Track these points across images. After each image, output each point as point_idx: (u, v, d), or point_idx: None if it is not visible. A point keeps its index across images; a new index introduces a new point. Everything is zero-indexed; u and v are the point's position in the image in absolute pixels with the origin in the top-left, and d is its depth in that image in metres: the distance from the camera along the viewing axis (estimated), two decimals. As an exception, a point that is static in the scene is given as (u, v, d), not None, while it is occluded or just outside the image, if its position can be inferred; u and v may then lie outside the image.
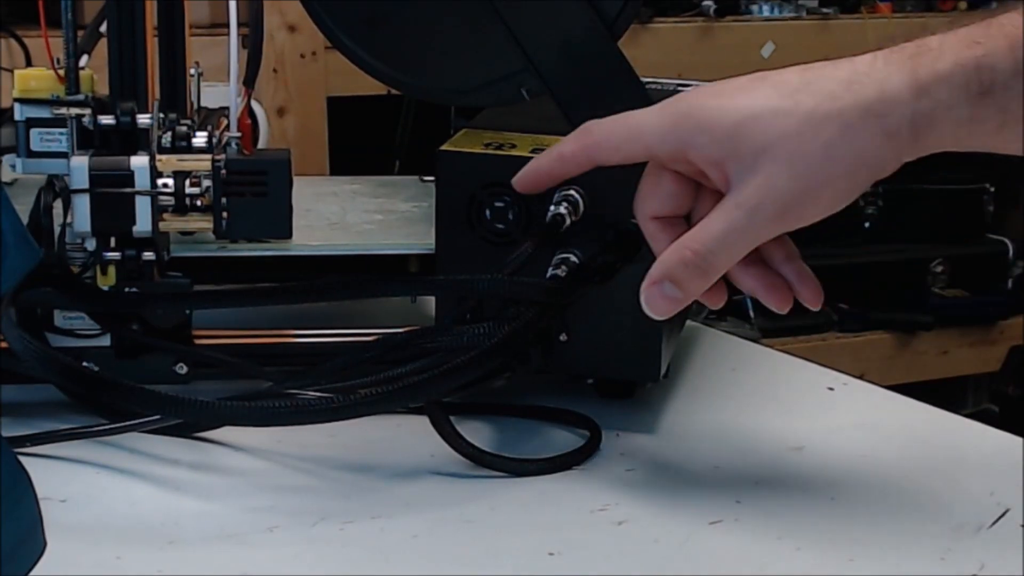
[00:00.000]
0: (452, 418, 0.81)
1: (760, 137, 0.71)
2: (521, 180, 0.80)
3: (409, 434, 0.84)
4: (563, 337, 0.87)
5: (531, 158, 0.86)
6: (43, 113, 0.85)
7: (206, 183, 0.86)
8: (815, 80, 0.71)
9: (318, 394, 0.79)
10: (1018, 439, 0.86)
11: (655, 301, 0.73)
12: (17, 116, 0.85)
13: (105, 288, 0.87)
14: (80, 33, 0.86)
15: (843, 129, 0.69)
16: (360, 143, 1.94)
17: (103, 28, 0.87)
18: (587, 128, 0.77)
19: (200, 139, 0.87)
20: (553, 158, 0.78)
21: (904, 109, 0.69)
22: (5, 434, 0.55)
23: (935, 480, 0.81)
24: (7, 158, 0.90)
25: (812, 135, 0.70)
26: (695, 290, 0.73)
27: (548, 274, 0.82)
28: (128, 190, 0.85)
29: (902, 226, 2.50)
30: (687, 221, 0.75)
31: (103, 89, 0.87)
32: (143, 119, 0.85)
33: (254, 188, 0.86)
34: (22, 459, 0.54)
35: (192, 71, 0.92)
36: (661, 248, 0.74)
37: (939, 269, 2.51)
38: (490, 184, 0.87)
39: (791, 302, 0.76)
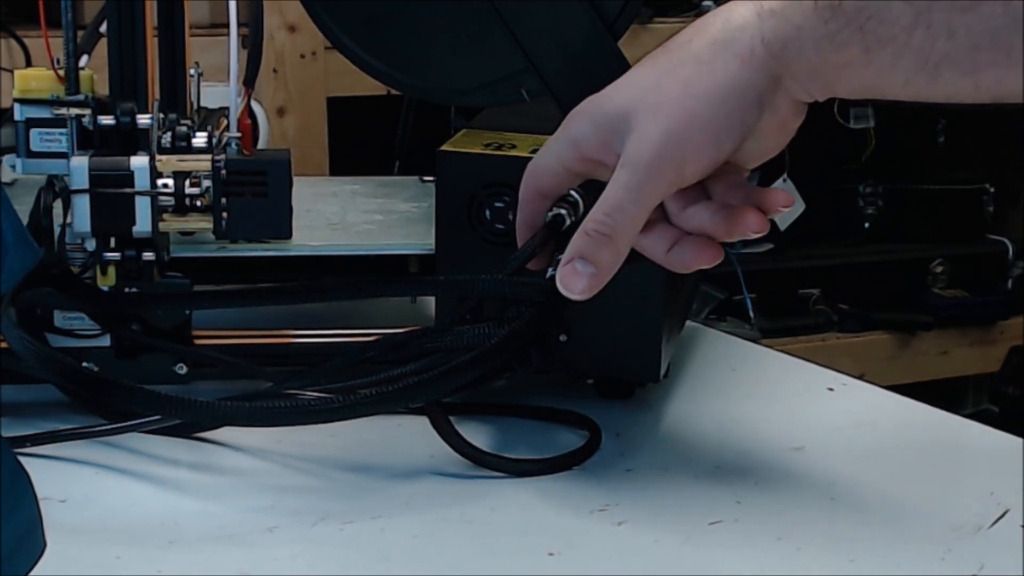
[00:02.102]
0: (452, 418, 0.81)
1: (626, 100, 0.72)
2: (520, 242, 0.80)
3: (409, 434, 0.84)
4: (563, 337, 0.87)
5: (531, 158, 0.86)
6: (43, 113, 0.85)
7: (206, 183, 0.86)
8: (671, 41, 0.73)
9: (318, 394, 0.79)
10: (1018, 439, 0.86)
11: (571, 280, 0.73)
12: (17, 116, 0.85)
13: (105, 288, 0.87)
14: (80, 33, 0.86)
15: (696, 65, 0.70)
16: (360, 143, 1.94)
17: (103, 28, 0.87)
18: (528, 166, 0.78)
19: (200, 139, 0.87)
20: (520, 209, 0.79)
21: (751, 31, 0.69)
22: (5, 434, 0.55)
23: (935, 480, 0.81)
24: (7, 158, 0.90)
25: (670, 80, 0.71)
26: (607, 261, 0.72)
27: (548, 274, 0.82)
28: (128, 190, 0.85)
29: (902, 226, 2.50)
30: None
31: (103, 89, 0.87)
32: (143, 119, 0.85)
33: (254, 188, 0.86)
34: (22, 459, 0.54)
35: (192, 71, 0.92)
36: (658, 256, 0.75)
37: (939, 269, 2.51)
38: (490, 184, 0.87)
39: (763, 219, 0.74)
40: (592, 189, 0.83)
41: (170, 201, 0.86)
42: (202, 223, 0.87)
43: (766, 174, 2.16)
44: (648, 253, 0.75)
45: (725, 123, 0.70)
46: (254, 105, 0.91)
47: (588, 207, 0.83)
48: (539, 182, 0.77)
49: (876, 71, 0.68)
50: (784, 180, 2.29)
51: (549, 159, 0.76)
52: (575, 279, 0.73)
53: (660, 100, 0.71)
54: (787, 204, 0.75)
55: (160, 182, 0.86)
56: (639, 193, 0.71)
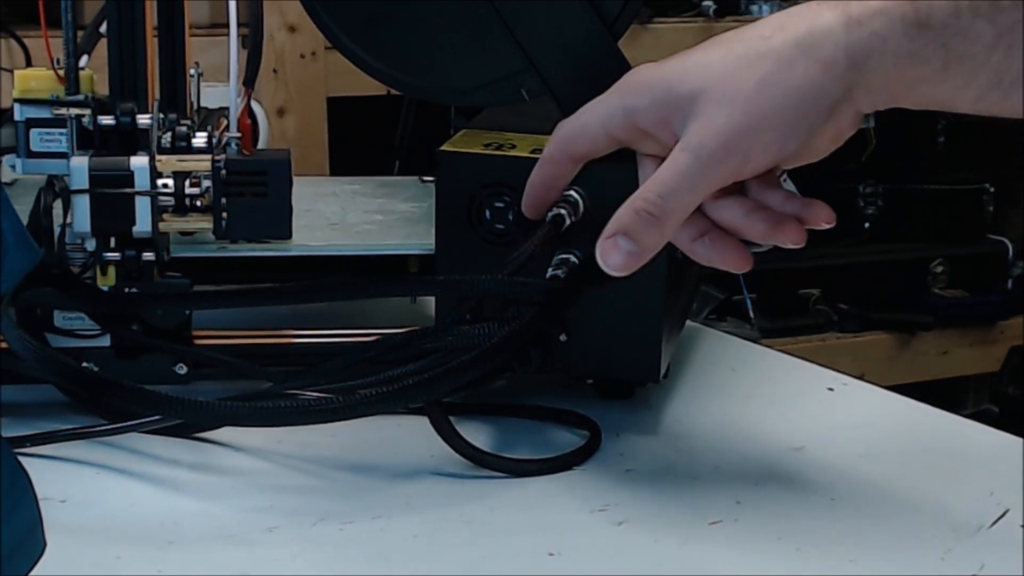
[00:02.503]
0: (452, 418, 0.81)
1: (696, 83, 0.71)
2: (526, 204, 0.80)
3: (409, 434, 0.84)
4: (563, 337, 0.87)
5: (531, 158, 0.86)
6: (43, 113, 0.85)
7: (206, 183, 0.86)
8: (747, 29, 0.72)
9: (318, 394, 0.79)
10: (1018, 439, 0.86)
11: (610, 254, 0.73)
12: (17, 116, 0.85)
13: (105, 288, 0.87)
14: (80, 33, 0.86)
15: (777, 63, 0.70)
16: (360, 143, 1.94)
17: (103, 28, 0.87)
18: (559, 125, 0.78)
19: (200, 139, 0.87)
20: (540, 166, 0.79)
21: (837, 40, 0.69)
22: (5, 434, 0.55)
23: (935, 480, 0.81)
24: (7, 158, 0.90)
25: (746, 72, 0.70)
26: (651, 242, 0.72)
27: (548, 274, 0.82)
28: (128, 190, 0.85)
29: (902, 226, 2.50)
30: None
31: (103, 89, 0.87)
32: (143, 119, 0.85)
33: (254, 188, 0.86)
34: (22, 459, 0.54)
35: (192, 71, 0.92)
36: (682, 244, 0.74)
37: (939, 269, 2.51)
38: (490, 184, 0.87)
39: (804, 233, 0.74)
40: (593, 190, 0.83)
41: (170, 201, 0.86)
42: (202, 223, 0.87)
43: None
44: (673, 239, 0.74)
45: (796, 125, 0.70)
46: (254, 105, 0.91)
47: (588, 207, 0.83)
48: (572, 144, 0.76)
49: (950, 87, 0.69)
50: (784, 179, 2.29)
51: (591, 121, 0.75)
52: (615, 253, 0.72)
53: (733, 91, 0.70)
54: (829, 221, 0.74)
55: (160, 182, 0.86)
56: (696, 180, 0.71)
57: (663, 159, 0.74)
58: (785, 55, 0.70)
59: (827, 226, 0.74)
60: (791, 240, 0.73)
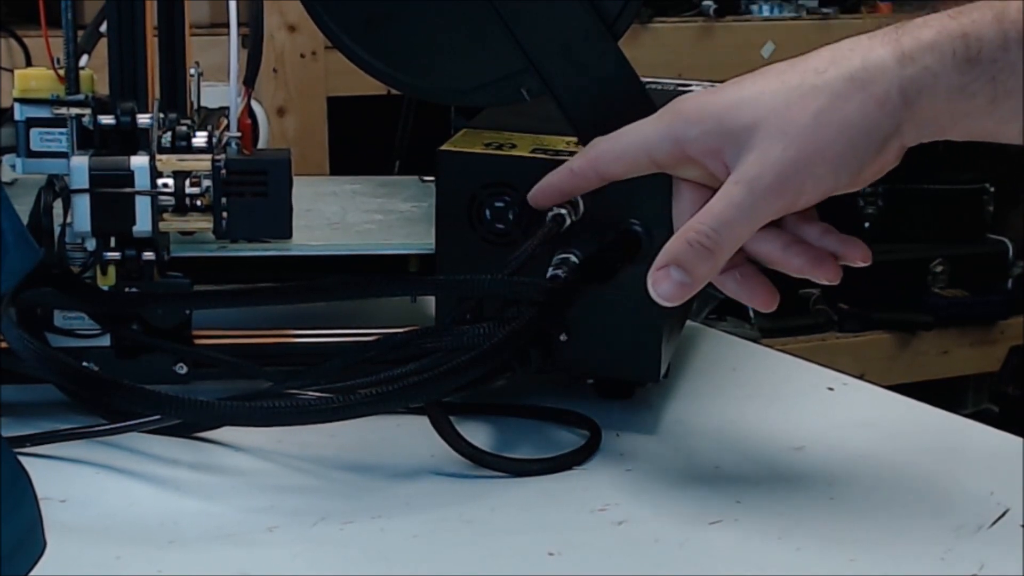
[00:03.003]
0: (452, 418, 0.81)
1: (750, 116, 0.71)
2: (534, 195, 0.81)
3: (409, 434, 0.84)
4: (563, 337, 0.87)
5: (531, 158, 0.86)
6: (43, 113, 0.85)
7: (206, 183, 0.86)
8: (799, 62, 0.72)
9: (318, 394, 0.79)
10: (1018, 439, 0.86)
11: (662, 285, 0.73)
12: (17, 116, 0.85)
13: (105, 288, 0.87)
14: (80, 33, 0.86)
15: (831, 98, 0.70)
16: (360, 143, 1.94)
17: (103, 28, 0.87)
18: (594, 142, 0.78)
19: (200, 139, 0.87)
20: (564, 174, 0.79)
21: (890, 75, 0.70)
22: (5, 434, 0.55)
23: (935, 480, 0.81)
24: (7, 158, 0.90)
25: (800, 106, 0.71)
26: (702, 273, 0.73)
27: (548, 274, 0.82)
28: (128, 190, 0.85)
29: (902, 226, 2.50)
30: None
31: (103, 89, 0.87)
32: (143, 119, 0.85)
33: (254, 188, 0.86)
34: (22, 459, 0.54)
35: (192, 71, 0.92)
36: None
37: (939, 269, 2.51)
38: (490, 184, 0.87)
39: (840, 271, 0.75)
40: (595, 191, 0.83)
41: (170, 201, 0.86)
42: (202, 223, 0.87)
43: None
44: None
45: (848, 159, 0.71)
46: (254, 105, 0.91)
47: (588, 207, 0.83)
48: (606, 164, 0.77)
49: (996, 120, 0.69)
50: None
51: (633, 145, 0.75)
52: (666, 283, 0.73)
53: (788, 124, 0.71)
54: (865, 260, 0.75)
55: (160, 182, 0.85)
56: (751, 213, 0.71)
57: (701, 184, 0.75)
58: (839, 89, 0.70)
59: (863, 264, 0.76)
60: (827, 277, 0.75)
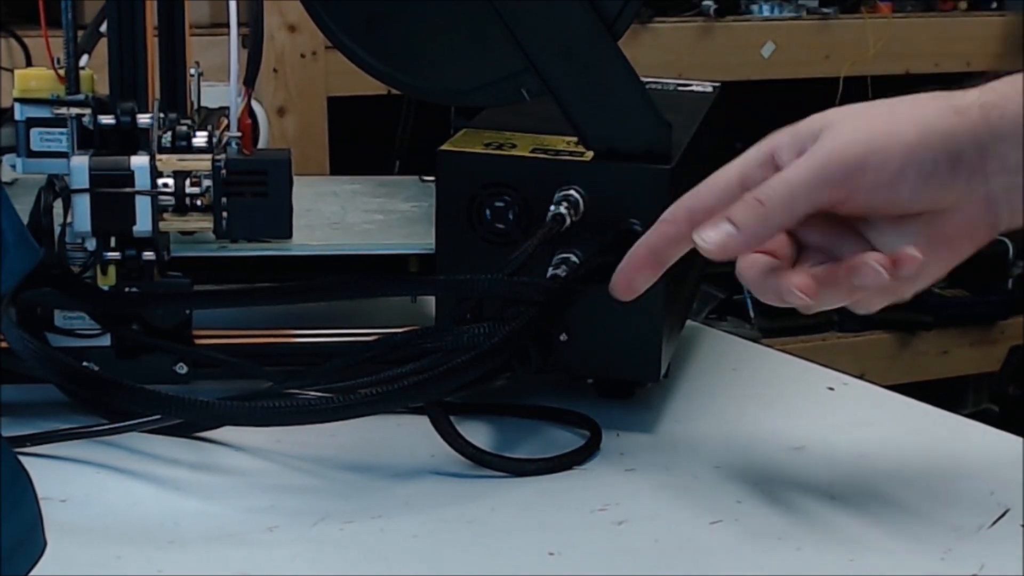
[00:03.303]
0: (452, 418, 0.81)
1: (832, 116, 0.73)
2: (618, 281, 0.77)
3: (409, 434, 0.84)
4: (563, 337, 0.87)
5: (531, 158, 0.86)
6: (43, 113, 0.85)
7: (206, 183, 0.86)
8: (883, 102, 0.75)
9: (318, 394, 0.79)
10: (1018, 439, 0.86)
11: (708, 231, 0.72)
12: (17, 116, 0.85)
13: (105, 288, 0.87)
14: (80, 33, 0.86)
15: (911, 103, 0.73)
16: (360, 143, 1.94)
17: (103, 28, 0.87)
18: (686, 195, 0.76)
19: (200, 139, 0.87)
20: (654, 229, 0.76)
21: (971, 97, 0.72)
22: (5, 434, 0.55)
23: (935, 480, 0.81)
24: (7, 158, 0.90)
25: (879, 104, 0.73)
26: (751, 230, 0.72)
27: (548, 274, 0.82)
28: (128, 190, 0.85)
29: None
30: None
31: (103, 89, 0.87)
32: (143, 119, 0.85)
33: (254, 188, 0.86)
34: (22, 459, 0.54)
35: (192, 71, 0.92)
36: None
37: (939, 269, 2.51)
38: (490, 184, 0.87)
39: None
40: (593, 190, 0.83)
41: (170, 201, 0.86)
42: (202, 223, 0.87)
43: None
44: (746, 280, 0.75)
45: (919, 154, 0.71)
46: (254, 105, 0.91)
47: (588, 207, 0.83)
48: (697, 199, 0.75)
49: None
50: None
51: (726, 170, 0.75)
52: (713, 232, 0.72)
53: (864, 111, 0.73)
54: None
55: (160, 182, 0.86)
56: (810, 186, 0.71)
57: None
58: (922, 98, 0.73)
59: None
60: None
